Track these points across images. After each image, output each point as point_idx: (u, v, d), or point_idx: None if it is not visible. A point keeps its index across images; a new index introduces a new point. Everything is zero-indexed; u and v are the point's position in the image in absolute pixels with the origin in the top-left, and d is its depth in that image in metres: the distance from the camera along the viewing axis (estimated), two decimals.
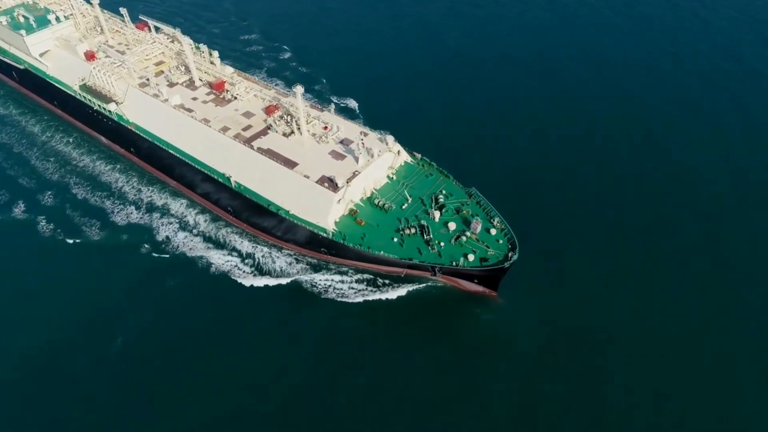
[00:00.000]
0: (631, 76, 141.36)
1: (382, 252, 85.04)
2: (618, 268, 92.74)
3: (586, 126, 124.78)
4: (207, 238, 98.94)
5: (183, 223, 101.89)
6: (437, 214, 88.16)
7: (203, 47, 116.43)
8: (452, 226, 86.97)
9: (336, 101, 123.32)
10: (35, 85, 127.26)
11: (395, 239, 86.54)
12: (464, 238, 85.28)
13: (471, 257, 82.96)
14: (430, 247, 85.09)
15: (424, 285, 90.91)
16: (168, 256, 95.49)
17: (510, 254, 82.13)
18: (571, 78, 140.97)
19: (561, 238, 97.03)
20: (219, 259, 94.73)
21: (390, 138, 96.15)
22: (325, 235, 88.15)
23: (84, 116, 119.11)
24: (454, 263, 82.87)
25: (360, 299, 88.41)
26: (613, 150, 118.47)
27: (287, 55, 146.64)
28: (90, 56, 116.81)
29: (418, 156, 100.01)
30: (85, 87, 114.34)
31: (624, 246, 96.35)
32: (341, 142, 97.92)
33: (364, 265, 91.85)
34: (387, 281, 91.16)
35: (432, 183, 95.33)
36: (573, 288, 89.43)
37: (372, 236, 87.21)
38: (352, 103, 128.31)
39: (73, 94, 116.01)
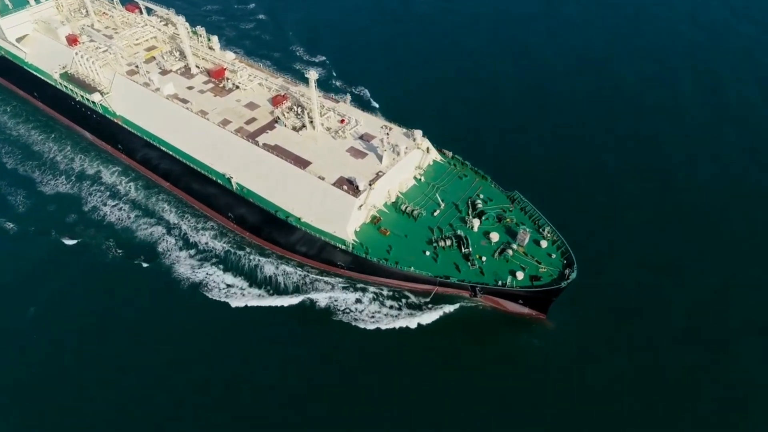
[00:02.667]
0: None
1: (412, 268, 71.39)
2: (692, 284, 78.86)
3: (644, 122, 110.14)
4: (200, 249, 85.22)
5: (169, 227, 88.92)
6: (476, 223, 74.52)
7: (201, 30, 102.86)
8: (495, 236, 73.32)
9: (350, 90, 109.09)
10: (12, 74, 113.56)
11: (427, 253, 72.86)
12: (510, 252, 71.56)
13: (520, 275, 69.29)
14: (469, 263, 71.40)
15: (458, 306, 77.13)
16: (151, 267, 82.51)
17: (567, 272, 68.45)
18: (626, 69, 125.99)
19: (618, 249, 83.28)
20: (213, 275, 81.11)
21: (418, 133, 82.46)
22: (343, 247, 74.40)
23: (66, 109, 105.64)
24: (499, 283, 69.17)
25: (383, 325, 74.64)
26: (680, 147, 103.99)
27: (296, 45, 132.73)
28: (72, 40, 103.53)
29: (449, 154, 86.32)
30: (66, 75, 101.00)
31: (696, 258, 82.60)
32: (361, 137, 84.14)
33: (386, 281, 78.25)
34: (414, 302, 77.55)
35: (467, 185, 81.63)
36: (636, 307, 75.62)
37: (400, 249, 73.57)
38: (365, 93, 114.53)
39: (53, 84, 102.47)
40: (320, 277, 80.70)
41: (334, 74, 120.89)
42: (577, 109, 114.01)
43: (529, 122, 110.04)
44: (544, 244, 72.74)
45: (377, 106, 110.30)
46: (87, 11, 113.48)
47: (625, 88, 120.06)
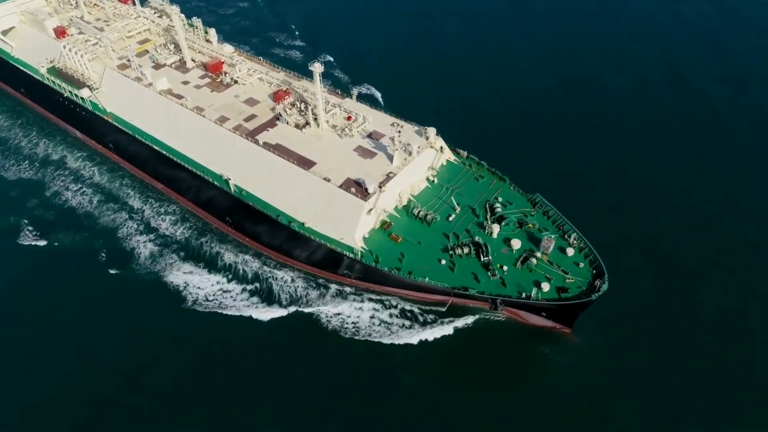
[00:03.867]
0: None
1: (427, 279, 65.25)
2: (736, 293, 72.62)
3: (683, 117, 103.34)
4: (192, 254, 79.11)
5: (149, 228, 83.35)
6: (495, 229, 68.43)
7: (197, 21, 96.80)
8: (516, 244, 67.24)
9: (356, 88, 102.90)
10: None
11: (443, 261, 66.74)
12: (534, 261, 65.42)
13: (546, 287, 63.17)
14: (489, 273, 65.27)
15: (475, 318, 70.96)
16: (132, 275, 76.64)
17: (597, 283, 62.32)
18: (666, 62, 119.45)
19: (652, 258, 77.03)
20: (208, 283, 74.96)
21: (431, 130, 76.37)
22: (351, 255, 68.25)
23: (54, 105, 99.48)
24: (524, 295, 63.03)
25: (394, 339, 68.62)
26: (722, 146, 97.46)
27: (297, 39, 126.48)
28: (60, 33, 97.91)
29: (463, 153, 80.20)
30: (53, 70, 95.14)
31: (742, 264, 76.33)
32: (369, 135, 78.01)
33: (397, 291, 72.13)
34: (427, 313, 71.50)
35: (484, 188, 75.56)
36: (672, 321, 69.38)
37: (413, 257, 67.50)
38: (371, 89, 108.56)
39: (40, 79, 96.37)
40: (322, 285, 74.54)
41: (338, 70, 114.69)
42: (604, 103, 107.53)
43: (550, 118, 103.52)
44: (570, 251, 66.68)
45: (381, 100, 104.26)
46: (76, 2, 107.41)
47: (660, 83, 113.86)
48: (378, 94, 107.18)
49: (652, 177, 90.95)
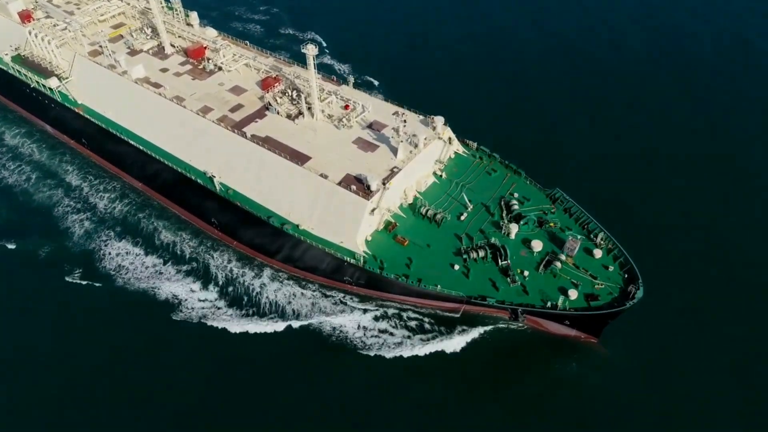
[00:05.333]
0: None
1: (439, 287, 57.97)
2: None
3: (716, 103, 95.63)
4: (173, 259, 71.41)
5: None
6: (513, 228, 61.08)
7: (176, 3, 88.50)
8: (537, 245, 60.11)
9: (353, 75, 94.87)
10: None
11: (456, 267, 59.43)
12: (558, 264, 58.20)
13: (573, 294, 56.15)
14: (509, 279, 58.02)
15: (489, 328, 63.85)
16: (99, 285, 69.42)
17: (631, 288, 55.40)
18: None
19: (690, 259, 69.83)
20: (188, 294, 67.48)
21: (439, 120, 68.84)
22: (352, 261, 60.75)
23: (20, 97, 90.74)
24: (549, 304, 55.88)
25: (400, 352, 61.50)
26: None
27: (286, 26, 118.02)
28: (26, 17, 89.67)
29: (473, 145, 72.75)
30: (18, 58, 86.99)
31: None
32: (370, 126, 70.39)
33: (405, 299, 64.92)
34: (437, 323, 64.17)
35: (497, 182, 68.33)
36: (716, 330, 62.58)
37: (422, 262, 60.30)
38: (371, 79, 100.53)
39: (4, 68, 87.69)
40: (320, 293, 67.18)
41: (328, 56, 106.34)
42: (631, 85, 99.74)
43: (568, 104, 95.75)
44: (597, 253, 59.65)
45: (377, 85, 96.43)
46: None
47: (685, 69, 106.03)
48: (375, 82, 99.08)
49: (692, 163, 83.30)
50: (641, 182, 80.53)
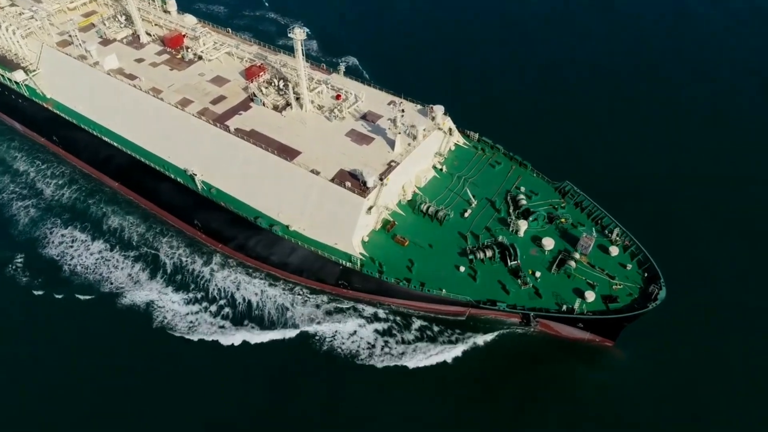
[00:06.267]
0: None
1: (444, 291, 53.11)
2: None
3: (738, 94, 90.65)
4: (151, 265, 65.91)
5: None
6: (522, 225, 56.33)
7: None
8: (548, 243, 55.51)
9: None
10: None
11: (462, 268, 54.62)
12: (572, 264, 53.59)
13: (590, 296, 51.58)
14: (519, 281, 53.31)
15: (496, 334, 59.17)
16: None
17: (652, 289, 50.93)
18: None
19: (714, 259, 65.12)
20: (172, 304, 62.13)
21: (439, 109, 63.87)
22: (348, 264, 55.71)
23: None
24: (565, 308, 51.25)
25: (401, 361, 56.63)
26: None
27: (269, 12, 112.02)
28: None
29: (474, 136, 67.82)
30: None
31: None
32: (363, 117, 65.30)
33: (406, 303, 60.29)
34: (441, 328, 59.62)
35: (502, 176, 63.61)
36: (740, 335, 58.09)
37: (424, 264, 55.43)
38: (353, 61, 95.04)
39: None
40: (313, 298, 62.16)
41: (315, 41, 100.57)
42: (641, 70, 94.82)
43: (576, 91, 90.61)
44: (614, 251, 55.19)
45: (366, 74, 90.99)
46: None
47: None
48: (364, 71, 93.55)
49: (710, 155, 78.44)
50: (658, 172, 75.57)
